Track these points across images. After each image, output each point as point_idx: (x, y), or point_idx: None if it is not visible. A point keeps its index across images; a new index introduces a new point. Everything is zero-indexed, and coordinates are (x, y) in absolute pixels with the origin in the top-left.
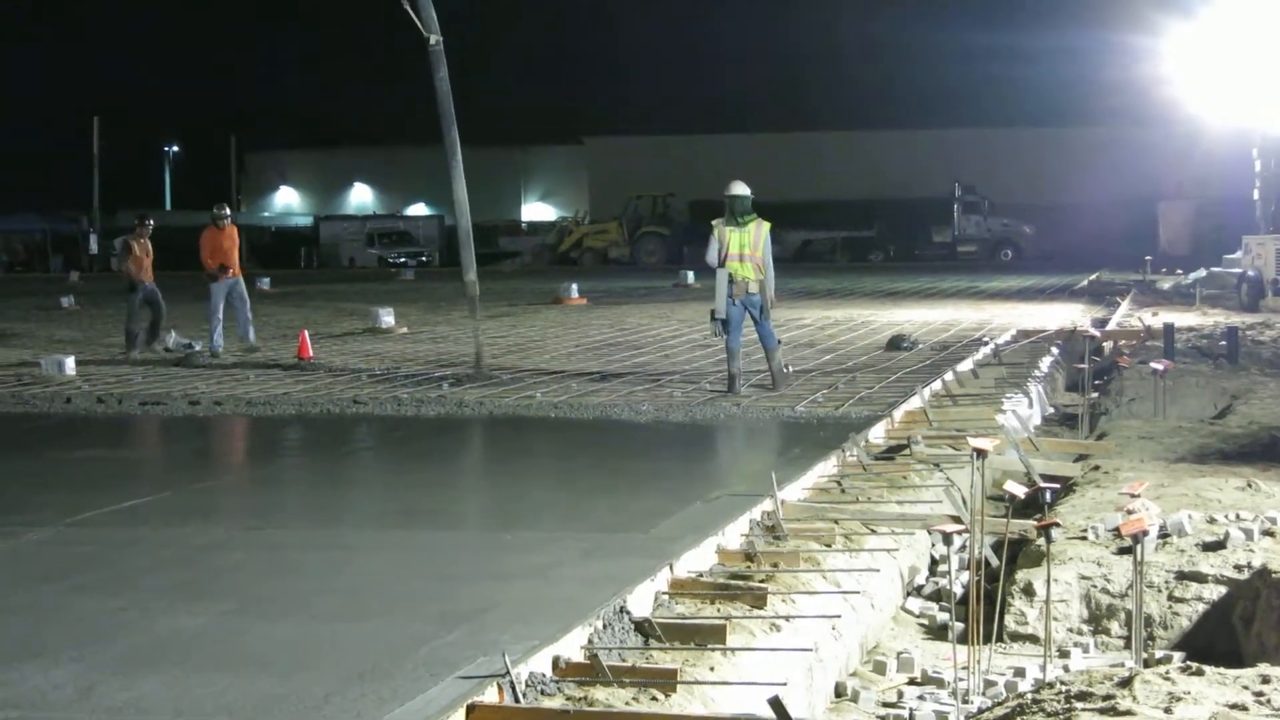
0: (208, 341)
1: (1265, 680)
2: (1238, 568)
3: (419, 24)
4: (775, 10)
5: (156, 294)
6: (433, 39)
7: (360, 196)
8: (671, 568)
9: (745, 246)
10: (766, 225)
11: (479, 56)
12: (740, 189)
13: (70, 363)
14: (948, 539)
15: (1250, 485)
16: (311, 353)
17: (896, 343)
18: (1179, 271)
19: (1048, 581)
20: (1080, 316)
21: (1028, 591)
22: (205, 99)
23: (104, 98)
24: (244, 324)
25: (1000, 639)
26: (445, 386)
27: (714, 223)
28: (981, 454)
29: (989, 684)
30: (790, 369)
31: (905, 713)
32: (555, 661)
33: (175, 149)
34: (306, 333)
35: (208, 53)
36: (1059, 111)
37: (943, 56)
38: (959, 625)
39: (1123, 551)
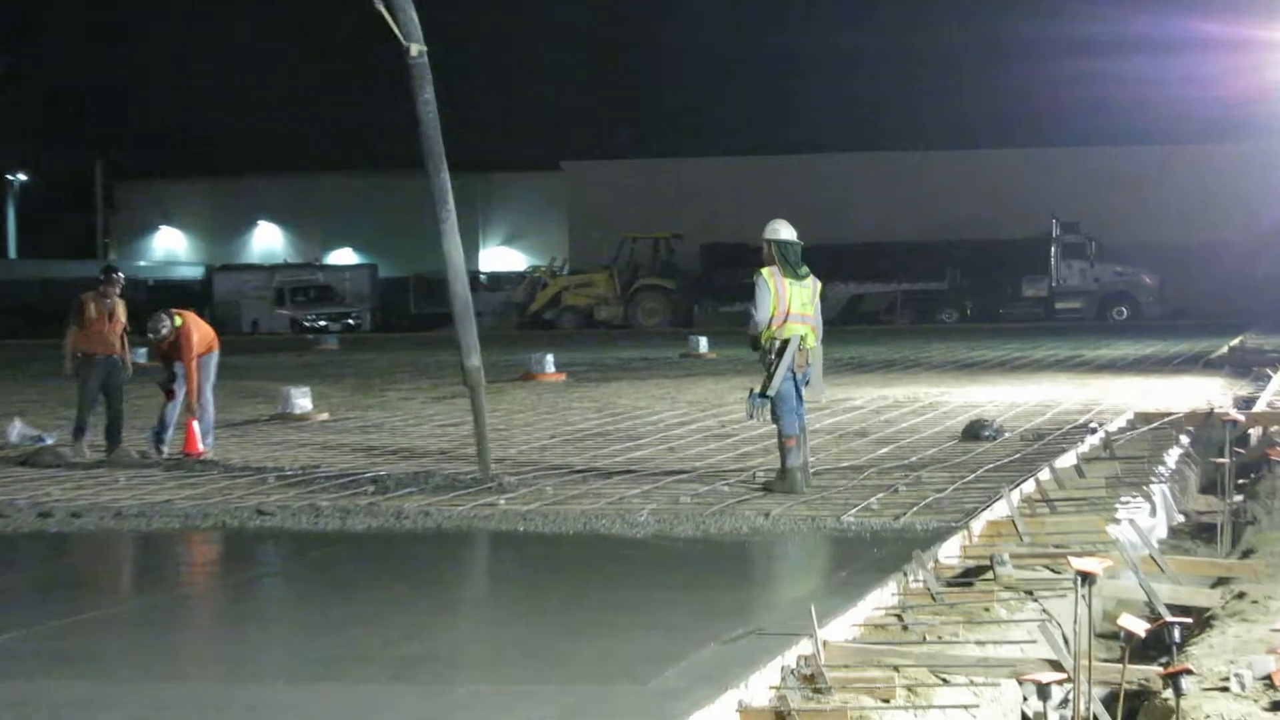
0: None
1: None
2: None
3: (396, 30)
4: (818, 4)
5: (116, 372)
6: (414, 49)
7: (266, 240)
8: None
9: (808, 305)
10: (818, 282)
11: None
12: (790, 232)
13: None
14: (1044, 692)
15: None
16: (202, 447)
17: (975, 431)
18: None
19: None
20: (1219, 394)
21: None
22: (61, 113)
23: None
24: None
25: None
26: (429, 486)
27: (766, 271)
28: (1089, 578)
29: None
30: (811, 465)
31: None
32: None
33: (20, 178)
34: (196, 423)
35: (61, 50)
36: (1188, 124)
37: (1031, 54)
38: None
39: (1277, 707)
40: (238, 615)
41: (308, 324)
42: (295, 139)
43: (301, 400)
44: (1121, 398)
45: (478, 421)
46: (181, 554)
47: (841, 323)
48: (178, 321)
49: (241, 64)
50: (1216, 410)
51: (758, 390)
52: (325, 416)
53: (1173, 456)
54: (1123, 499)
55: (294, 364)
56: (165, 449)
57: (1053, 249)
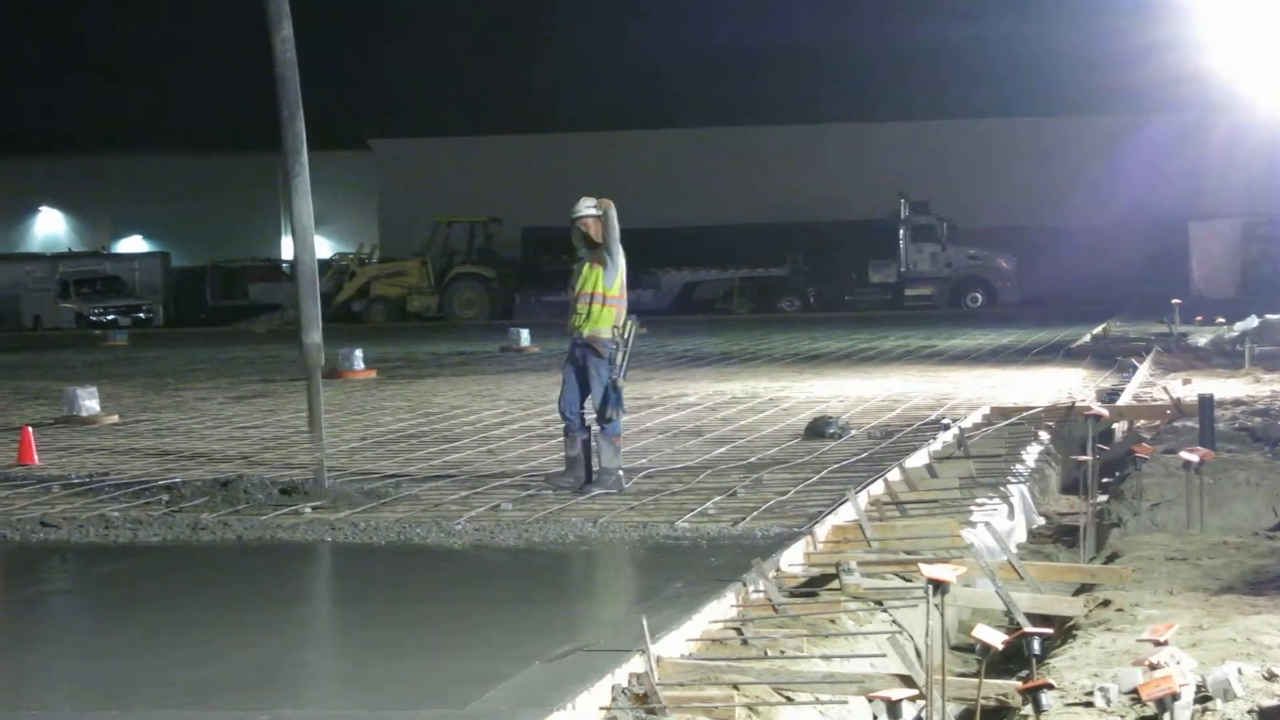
0: None
1: None
2: None
3: None
4: None
5: None
6: None
7: (49, 227)
8: None
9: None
10: None
11: (219, 30)
12: None
13: None
14: (895, 709)
15: None
16: (38, 457)
17: (819, 428)
18: (1220, 321)
19: None
20: (1081, 387)
21: None
22: None
23: None
24: None
25: None
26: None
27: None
28: (941, 587)
29: None
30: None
31: None
32: None
33: None
34: (31, 430)
35: None
36: (1048, 94)
37: (877, 17)
38: None
39: None
40: (18, 636)
41: (94, 318)
42: (80, 116)
43: (88, 401)
44: (976, 391)
45: (312, 408)
46: None
47: (675, 312)
48: None
49: (11, 29)
50: (1078, 404)
51: (617, 378)
52: (115, 419)
53: (1032, 454)
54: (978, 500)
55: (80, 362)
56: None
57: (901, 231)
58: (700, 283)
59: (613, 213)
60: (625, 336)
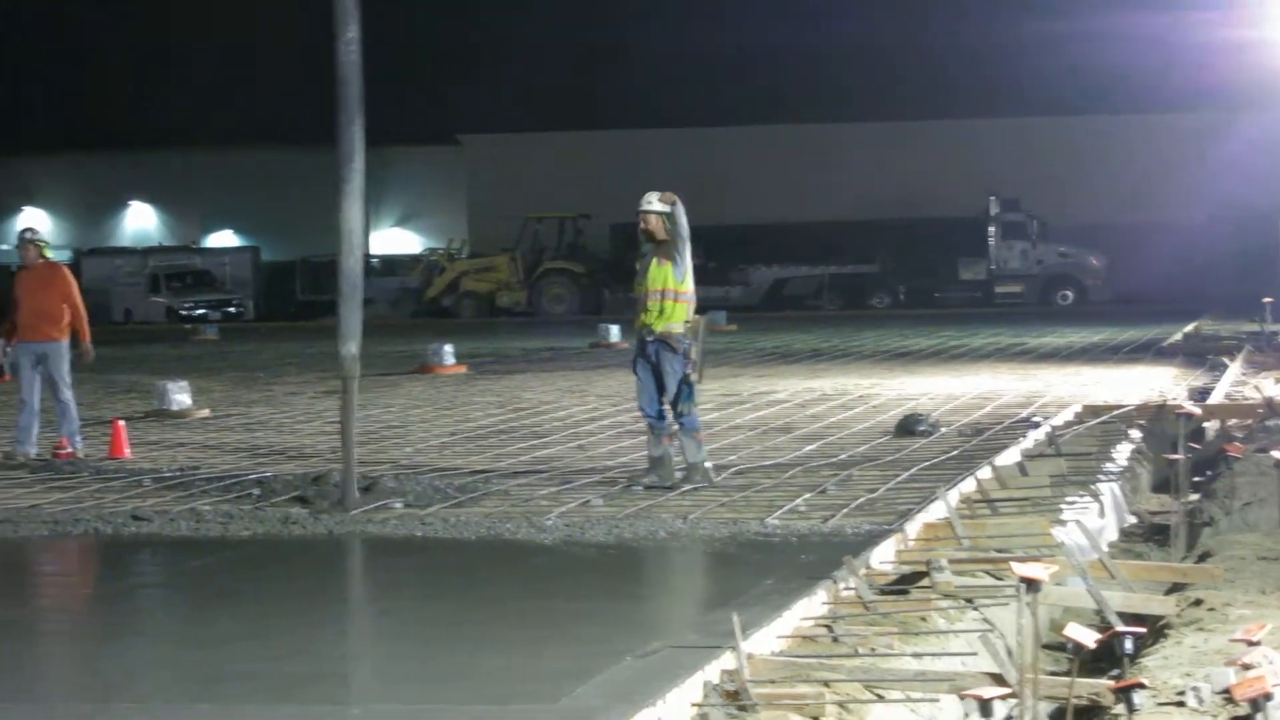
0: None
1: None
2: None
3: None
4: None
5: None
6: None
7: (139, 221)
8: None
9: None
10: None
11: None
12: None
13: None
14: (987, 708)
15: None
16: (72, 448)
17: (909, 426)
18: None
19: None
20: (1172, 385)
21: None
22: None
23: None
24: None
25: None
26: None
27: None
28: (1033, 585)
29: None
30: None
31: None
32: None
33: None
34: (123, 423)
35: None
36: (1138, 91)
37: (971, 17)
38: None
39: None
40: (110, 630)
41: (185, 312)
42: (173, 114)
43: (179, 396)
44: (1067, 389)
45: (345, 421)
46: (50, 563)
47: (765, 309)
48: None
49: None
50: (1170, 402)
51: (692, 373)
52: (205, 413)
53: (1123, 453)
54: (1069, 499)
55: (170, 356)
56: (34, 449)
57: (991, 228)
58: (790, 279)
59: (680, 209)
60: (698, 331)
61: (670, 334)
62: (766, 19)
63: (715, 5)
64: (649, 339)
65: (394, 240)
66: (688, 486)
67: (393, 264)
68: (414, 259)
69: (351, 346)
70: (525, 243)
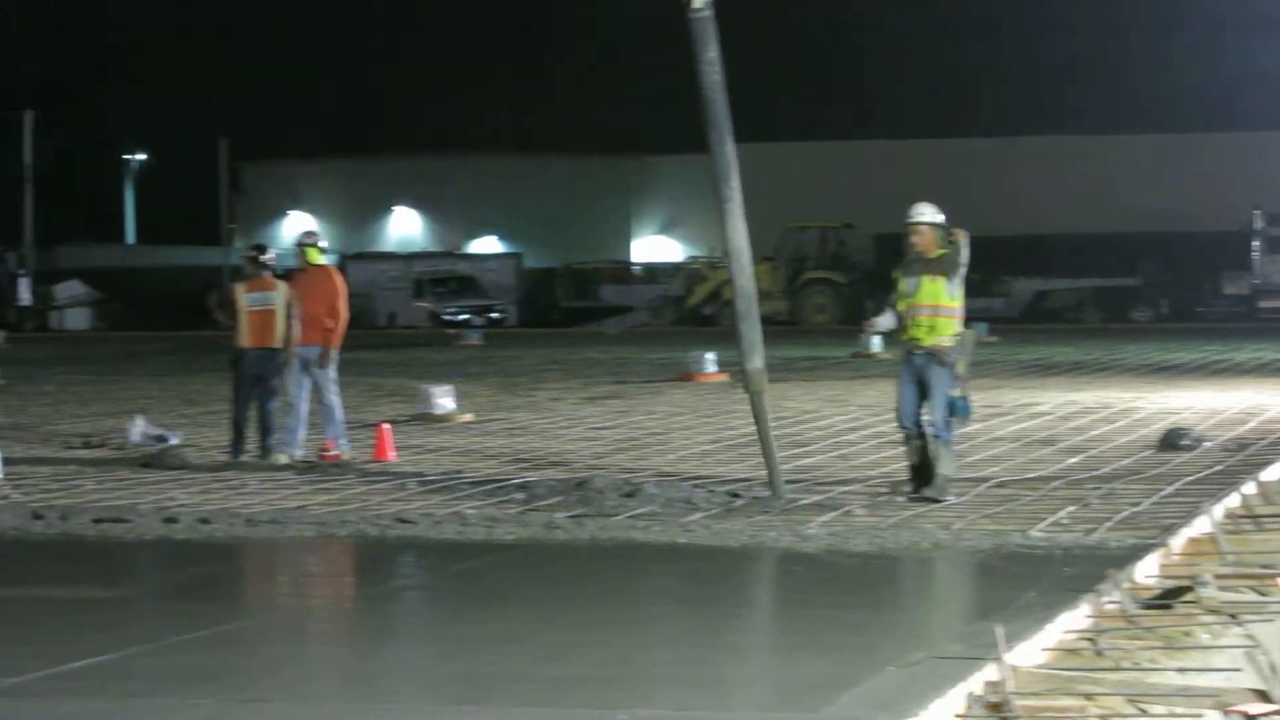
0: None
1: None
2: None
3: None
4: None
5: (269, 365)
6: (697, 1)
7: (404, 227)
8: None
9: None
10: None
11: (579, 32)
12: None
13: None
14: None
15: None
16: (338, 450)
17: (1173, 440)
18: None
19: None
20: None
21: None
22: (182, 89)
23: (40, 83)
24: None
25: None
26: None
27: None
28: None
29: None
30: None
31: None
32: None
33: (140, 158)
34: (387, 427)
35: (185, 26)
36: None
37: (1237, 24)
38: None
39: None
40: (376, 631)
41: (448, 318)
42: (439, 117)
43: (443, 400)
44: None
45: (762, 431)
46: (316, 564)
47: (1026, 321)
48: None
49: (377, 37)
50: None
51: (958, 393)
52: (469, 418)
53: None
54: None
55: (434, 361)
56: (300, 451)
57: (1255, 242)
58: (1052, 291)
59: (965, 240)
60: (967, 346)
61: (939, 348)
62: (1025, 31)
63: (980, 18)
64: (916, 352)
65: (656, 247)
66: (929, 493)
67: (654, 272)
68: (675, 267)
69: (757, 361)
70: (786, 252)
